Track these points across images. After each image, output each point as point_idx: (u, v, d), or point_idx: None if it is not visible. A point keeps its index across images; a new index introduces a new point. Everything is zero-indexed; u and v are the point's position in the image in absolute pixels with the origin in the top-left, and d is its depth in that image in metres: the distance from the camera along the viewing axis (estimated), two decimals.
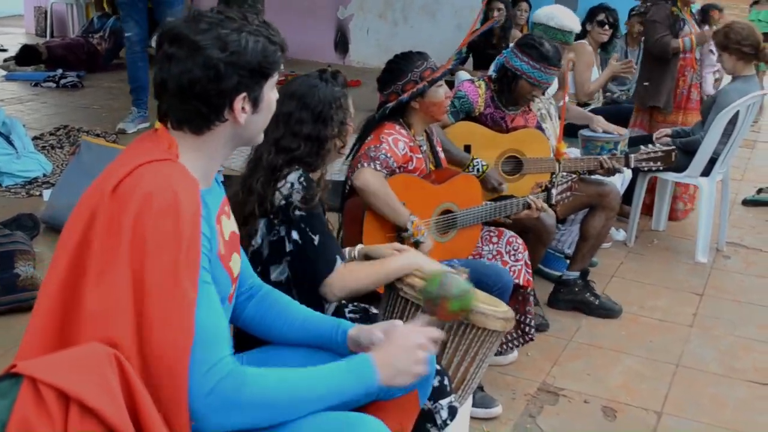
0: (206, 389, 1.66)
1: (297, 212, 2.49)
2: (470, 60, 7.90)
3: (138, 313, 1.60)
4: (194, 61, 1.70)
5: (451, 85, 4.85)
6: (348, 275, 2.53)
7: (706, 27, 5.67)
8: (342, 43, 10.55)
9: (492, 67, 4.12)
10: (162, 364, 1.61)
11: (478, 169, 3.77)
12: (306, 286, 2.54)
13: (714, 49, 5.68)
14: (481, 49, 7.64)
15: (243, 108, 1.77)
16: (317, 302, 2.54)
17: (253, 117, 1.81)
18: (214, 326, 1.70)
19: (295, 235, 2.50)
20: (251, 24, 1.76)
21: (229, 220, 1.94)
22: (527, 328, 3.56)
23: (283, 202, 2.48)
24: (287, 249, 2.52)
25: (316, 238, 2.50)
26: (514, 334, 3.58)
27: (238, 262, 1.96)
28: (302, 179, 2.50)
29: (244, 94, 1.76)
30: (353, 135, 3.04)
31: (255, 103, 1.79)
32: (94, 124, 6.90)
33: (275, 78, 1.83)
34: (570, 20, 4.58)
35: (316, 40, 10.33)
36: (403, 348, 1.91)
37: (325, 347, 2.19)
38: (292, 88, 2.61)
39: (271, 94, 1.84)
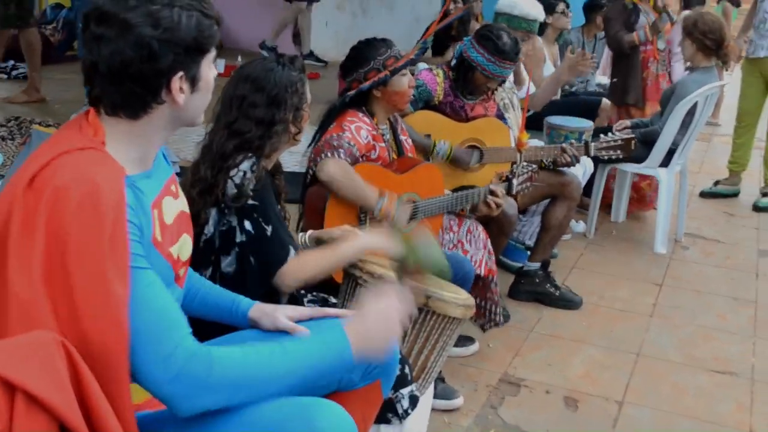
0: (171, 374, 1.60)
1: (250, 202, 2.41)
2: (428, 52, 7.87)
3: (62, 308, 1.53)
4: (125, 40, 1.59)
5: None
6: (300, 265, 2.46)
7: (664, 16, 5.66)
8: (300, 36, 10.44)
9: (453, 55, 4.07)
10: (98, 358, 1.54)
11: (443, 154, 3.73)
12: (258, 277, 2.47)
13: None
14: (440, 39, 7.62)
15: (181, 88, 1.67)
16: (271, 293, 2.48)
17: (192, 97, 1.71)
18: (162, 310, 1.63)
19: (247, 225, 2.43)
20: None
21: (176, 200, 1.84)
22: (492, 315, 3.54)
23: (235, 190, 2.40)
24: (238, 239, 2.45)
25: (269, 228, 2.43)
26: (482, 320, 3.56)
27: (189, 242, 1.88)
28: (255, 167, 2.43)
29: (180, 73, 1.66)
30: (313, 125, 2.98)
31: (193, 81, 1.69)
32: (46, 116, 6.74)
33: (212, 54, 1.74)
34: (533, 8, 4.56)
35: (270, 30, 10.22)
36: (379, 318, 1.86)
37: (224, 322, 2.17)
38: (247, 71, 2.54)
39: (209, 71, 1.74)
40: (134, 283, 1.57)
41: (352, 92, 3.23)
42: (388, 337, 1.86)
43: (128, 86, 1.63)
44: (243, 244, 2.45)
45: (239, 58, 8.04)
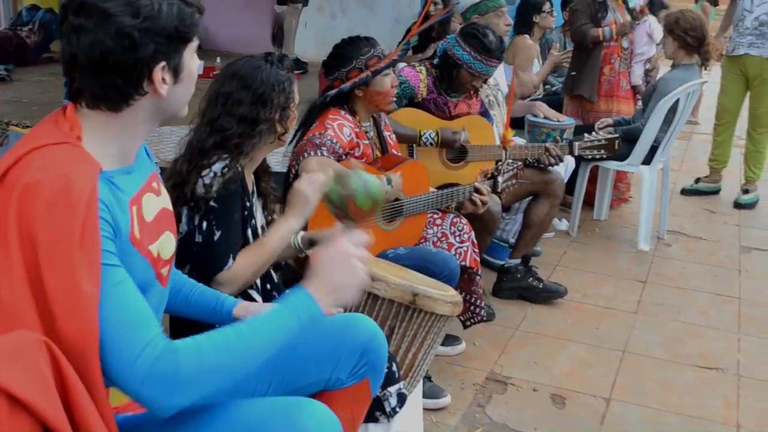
0: (141, 375, 1.55)
1: (211, 203, 2.35)
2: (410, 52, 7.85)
3: (41, 307, 1.48)
4: (105, 30, 1.55)
5: None
6: (234, 273, 2.37)
7: (629, 18, 5.67)
8: (280, 37, 10.40)
9: (436, 52, 4.05)
10: (76, 358, 1.50)
11: (431, 142, 3.71)
12: (202, 281, 2.40)
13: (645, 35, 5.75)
14: (420, 39, 7.60)
15: (163, 78, 1.63)
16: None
17: (174, 88, 1.67)
18: (131, 309, 1.57)
19: (204, 225, 2.37)
20: None
21: (158, 197, 1.79)
22: (477, 309, 3.52)
23: (202, 190, 2.35)
24: (196, 239, 2.39)
25: (218, 234, 2.36)
26: (466, 315, 3.54)
27: (171, 240, 1.83)
28: (226, 169, 2.36)
29: (163, 63, 1.62)
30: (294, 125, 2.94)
31: (175, 72, 1.65)
32: (23, 118, 6.66)
33: (195, 43, 1.69)
34: None
35: (254, 34, 10.16)
36: (334, 263, 1.78)
37: (209, 321, 2.13)
38: (234, 68, 2.49)
39: (192, 61, 1.70)
40: (103, 280, 1.52)
41: (333, 91, 3.19)
42: (350, 277, 1.78)
43: (109, 78, 1.58)
44: (198, 244, 2.39)
45: (218, 60, 7.99)
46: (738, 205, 6.13)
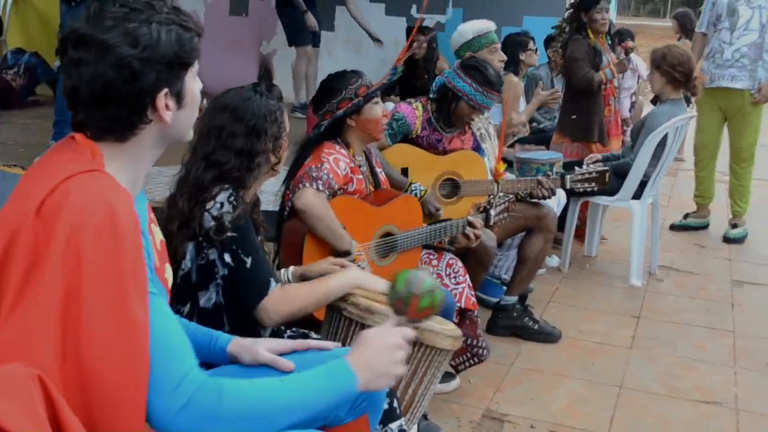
0: (178, 405, 1.54)
1: (228, 233, 2.34)
2: (396, 90, 7.88)
3: (66, 337, 1.45)
4: (105, 62, 1.54)
5: None
6: (284, 297, 2.38)
7: (623, 55, 5.73)
8: (266, 78, 10.42)
9: (432, 87, 4.05)
10: (102, 392, 1.46)
11: (416, 194, 3.69)
12: (239, 311, 2.39)
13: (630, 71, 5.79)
14: (406, 81, 7.64)
15: (167, 105, 1.62)
16: (250, 328, 2.41)
17: (179, 113, 1.66)
18: (171, 339, 1.58)
19: (227, 257, 2.35)
20: (160, 13, 1.61)
21: (157, 227, 1.80)
22: (479, 350, 3.48)
23: (213, 223, 2.34)
24: (220, 273, 2.38)
25: (249, 260, 2.36)
26: (466, 356, 3.49)
27: (170, 271, 1.83)
28: (232, 198, 2.36)
29: (165, 90, 1.61)
30: (285, 164, 2.93)
31: (179, 97, 1.64)
32: (10, 160, 6.60)
33: (196, 67, 1.69)
34: (480, 24, 4.59)
35: (240, 76, 10.12)
36: (380, 349, 1.81)
37: (203, 359, 2.07)
38: (224, 100, 2.48)
39: (194, 84, 1.69)
40: (150, 310, 1.53)
41: (326, 121, 3.19)
42: (391, 367, 1.81)
43: (113, 109, 1.57)
44: (224, 277, 2.38)
45: (204, 101, 7.97)
46: (727, 240, 6.14)
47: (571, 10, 5.75)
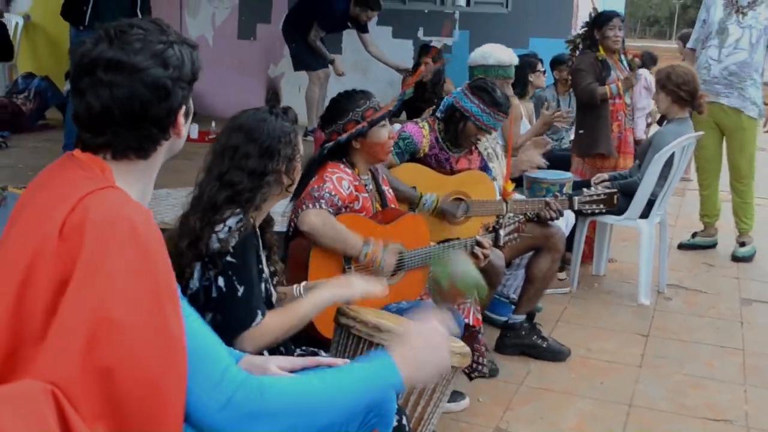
0: (220, 403, 1.58)
1: (229, 258, 2.35)
2: (403, 114, 7.93)
3: (93, 354, 1.45)
4: (142, 83, 1.60)
5: None
6: (260, 332, 2.37)
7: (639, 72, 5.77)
8: (273, 101, 10.49)
9: (440, 107, 4.09)
10: (141, 407, 1.48)
11: (428, 206, 3.71)
12: (223, 337, 2.38)
13: (644, 90, 5.79)
14: (413, 103, 7.69)
15: (183, 121, 1.71)
16: None
17: (185, 127, 1.74)
18: (205, 338, 1.62)
19: (221, 281, 2.36)
20: (170, 34, 1.68)
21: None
22: (479, 366, 3.49)
23: (217, 245, 2.35)
24: (213, 295, 2.38)
25: (241, 289, 2.36)
26: (468, 369, 3.50)
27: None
28: (240, 224, 2.38)
29: (184, 107, 1.70)
30: None
31: (187, 112, 1.72)
32: (20, 183, 6.66)
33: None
34: (506, 54, 4.61)
35: (247, 99, 10.17)
36: (429, 347, 1.83)
37: None
38: (240, 121, 2.51)
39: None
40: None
41: (330, 144, 3.22)
42: (435, 360, 1.84)
43: (146, 127, 1.64)
44: (215, 300, 2.38)
45: (213, 125, 8.04)
46: (736, 258, 6.13)
47: (586, 28, 5.83)
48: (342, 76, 9.18)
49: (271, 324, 2.39)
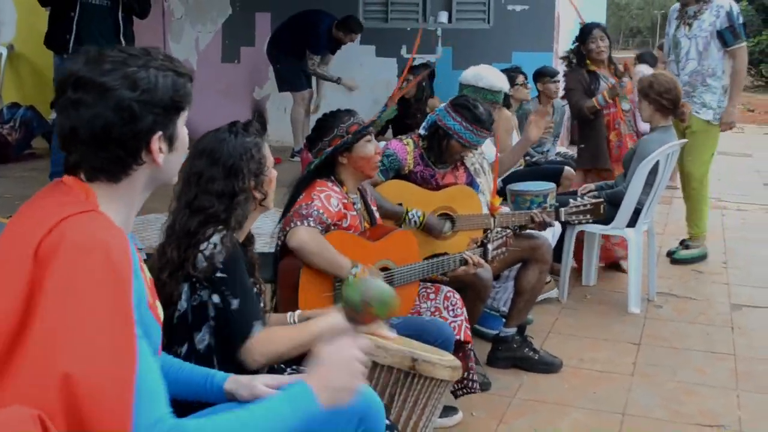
0: None
1: (219, 274, 2.35)
2: (389, 131, 7.97)
3: (65, 376, 1.46)
4: (106, 104, 1.59)
5: None
6: (268, 340, 2.37)
7: (625, 78, 5.79)
8: (259, 123, 10.51)
9: (423, 124, 4.11)
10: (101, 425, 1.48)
11: (415, 221, 3.72)
12: (227, 352, 2.38)
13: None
14: (397, 119, 7.73)
15: (160, 148, 1.67)
16: (239, 370, 2.40)
17: (170, 156, 1.71)
18: (150, 381, 1.58)
19: (216, 298, 2.36)
20: (156, 59, 1.68)
21: (144, 265, 1.83)
22: (470, 383, 3.49)
23: (205, 263, 2.35)
24: (210, 314, 2.38)
25: (236, 302, 2.36)
26: (459, 385, 3.49)
27: (161, 307, 1.85)
28: (225, 239, 2.38)
29: (159, 133, 1.66)
30: (279, 207, 2.94)
31: (170, 140, 1.70)
32: (7, 213, 6.65)
33: (186, 112, 1.75)
34: (498, 80, 4.63)
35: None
36: (338, 365, 1.81)
37: (200, 399, 2.13)
38: (201, 145, 2.49)
39: (183, 130, 1.75)
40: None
41: (318, 159, 3.23)
42: (350, 381, 1.81)
43: (111, 150, 1.62)
44: (214, 318, 2.38)
45: None
46: (675, 261, 6.20)
47: (577, 43, 5.93)
48: (356, 89, 9.25)
49: (279, 332, 2.40)
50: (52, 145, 6.84)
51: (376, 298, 2.12)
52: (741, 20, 6.05)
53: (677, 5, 6.27)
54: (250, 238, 2.64)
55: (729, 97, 6.05)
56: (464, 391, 3.54)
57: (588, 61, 5.80)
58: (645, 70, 6.57)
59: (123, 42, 6.42)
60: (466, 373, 3.50)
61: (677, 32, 6.15)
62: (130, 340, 1.52)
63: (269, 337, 2.38)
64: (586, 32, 5.81)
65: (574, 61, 5.94)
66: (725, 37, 5.94)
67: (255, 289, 2.60)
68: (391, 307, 2.15)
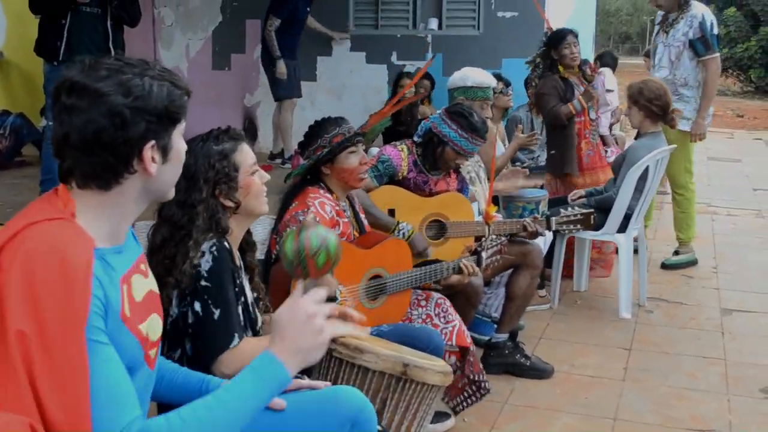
0: None
1: (202, 283, 2.35)
2: (380, 137, 7.97)
3: (31, 379, 1.48)
4: (98, 109, 1.59)
5: None
6: (239, 353, 2.34)
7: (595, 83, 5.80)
8: (250, 130, 10.49)
9: (417, 131, 4.12)
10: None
11: (403, 234, 3.73)
12: (200, 362, 2.36)
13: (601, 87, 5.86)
14: (390, 126, 7.72)
15: (153, 157, 1.67)
16: None
17: (163, 167, 1.71)
18: (115, 387, 1.57)
19: (197, 306, 2.35)
20: (153, 69, 1.68)
21: (146, 279, 1.81)
22: (483, 384, 3.48)
23: (192, 271, 2.34)
24: (189, 321, 2.37)
25: (217, 312, 2.35)
26: (470, 390, 3.48)
27: (158, 322, 1.83)
28: (214, 248, 2.37)
29: (152, 142, 1.66)
30: (272, 214, 2.93)
31: (164, 151, 1.69)
32: None
33: (183, 125, 1.74)
34: (484, 76, 4.65)
35: None
36: (297, 326, 1.72)
37: None
38: None
39: (180, 142, 1.75)
40: (91, 357, 1.53)
41: (295, 170, 3.25)
42: (315, 338, 1.73)
43: (101, 156, 1.62)
44: (191, 325, 2.37)
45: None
46: (664, 266, 6.22)
47: (544, 48, 5.82)
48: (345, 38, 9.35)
49: (248, 347, 2.36)
50: (43, 153, 6.81)
51: (318, 247, 2.08)
52: (715, 31, 6.08)
53: None
54: (249, 245, 2.63)
55: (699, 108, 6.08)
56: (477, 396, 3.52)
57: (561, 67, 5.68)
58: (607, 72, 6.57)
59: (112, 50, 6.41)
60: (476, 376, 3.48)
61: (656, 38, 6.22)
62: (79, 347, 1.51)
63: (238, 352, 2.35)
64: (559, 38, 5.67)
65: (541, 66, 5.87)
66: (696, 47, 5.98)
67: (255, 296, 2.61)
68: (334, 254, 2.09)
